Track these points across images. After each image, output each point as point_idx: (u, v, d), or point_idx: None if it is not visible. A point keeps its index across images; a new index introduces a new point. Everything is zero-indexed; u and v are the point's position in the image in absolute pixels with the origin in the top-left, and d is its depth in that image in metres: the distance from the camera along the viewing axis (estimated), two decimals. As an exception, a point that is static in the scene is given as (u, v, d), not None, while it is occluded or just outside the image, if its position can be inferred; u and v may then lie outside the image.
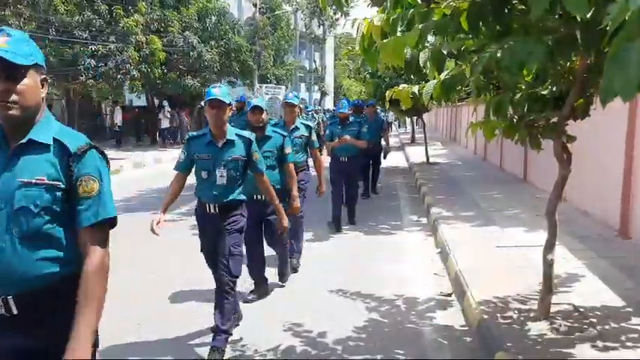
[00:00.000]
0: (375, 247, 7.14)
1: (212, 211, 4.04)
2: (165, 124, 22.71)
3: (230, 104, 3.97)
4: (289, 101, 6.24)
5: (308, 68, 48.29)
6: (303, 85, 48.57)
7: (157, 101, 26.21)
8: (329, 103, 47.20)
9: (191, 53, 20.87)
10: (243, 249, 4.41)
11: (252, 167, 4.15)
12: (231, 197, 4.04)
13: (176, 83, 21.08)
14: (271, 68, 31.85)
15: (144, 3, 19.12)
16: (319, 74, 49.88)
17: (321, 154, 6.71)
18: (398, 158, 18.86)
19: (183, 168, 4.15)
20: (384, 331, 4.46)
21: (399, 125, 40.75)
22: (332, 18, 44.73)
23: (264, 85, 31.66)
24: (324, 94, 48.79)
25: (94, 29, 17.91)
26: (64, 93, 20.13)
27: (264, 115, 5.18)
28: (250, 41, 26.86)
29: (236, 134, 4.09)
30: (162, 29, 20.37)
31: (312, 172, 6.67)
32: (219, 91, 3.93)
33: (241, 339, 4.30)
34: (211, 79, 23.28)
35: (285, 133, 5.36)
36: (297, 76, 43.75)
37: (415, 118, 21.85)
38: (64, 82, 18.47)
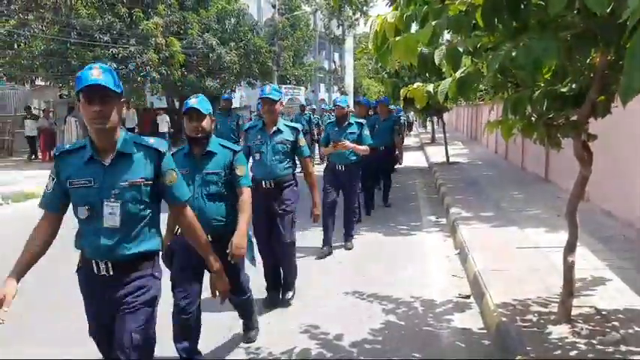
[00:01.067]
0: (393, 248, 7.06)
1: (103, 271, 2.55)
2: (163, 128, 21.69)
3: (121, 94, 2.51)
4: (267, 97, 4.82)
5: (327, 68, 48.27)
6: (322, 85, 48.56)
7: (177, 103, 26.39)
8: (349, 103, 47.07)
9: (210, 55, 20.97)
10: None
11: (165, 195, 2.66)
12: (133, 249, 2.56)
13: (196, 85, 21.20)
14: (291, 69, 31.91)
15: (163, 6, 19.26)
16: (339, 74, 49.82)
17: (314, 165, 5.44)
18: (417, 158, 18.74)
19: (52, 205, 2.61)
20: (400, 333, 4.40)
21: (421, 124, 40.38)
22: (351, 18, 44.64)
23: (284, 85, 31.70)
24: (343, 94, 48.72)
25: (114, 32, 18.11)
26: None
27: (205, 123, 3.63)
28: (269, 42, 26.92)
29: (135, 142, 2.58)
30: (181, 31, 20.50)
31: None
32: (101, 74, 2.42)
33: (256, 341, 4.27)
34: (230, 81, 23.40)
35: (238, 148, 3.85)
36: (316, 77, 43.76)
37: (436, 118, 21.67)
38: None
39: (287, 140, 4.93)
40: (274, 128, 4.90)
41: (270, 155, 4.89)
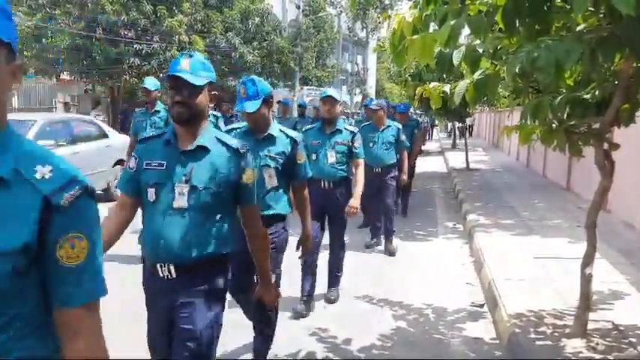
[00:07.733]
0: (409, 254, 6.95)
1: None
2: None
3: None
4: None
5: (350, 71, 48.15)
6: (344, 87, 48.46)
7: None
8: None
9: (233, 54, 21.04)
10: None
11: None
12: None
13: (217, 84, 21.28)
14: (313, 70, 31.89)
15: (188, 4, 19.38)
16: (361, 77, 49.67)
17: None
18: (437, 163, 18.57)
19: None
20: (410, 340, 4.30)
21: (443, 130, 39.94)
22: (375, 21, 44.44)
23: (306, 87, 31.71)
24: (365, 96, 48.52)
25: (138, 29, 18.26)
26: (109, 91, 20.58)
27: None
28: (292, 43, 26.93)
29: None
30: (205, 30, 20.61)
31: None
32: None
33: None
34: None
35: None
36: (339, 79, 43.67)
37: (460, 124, 21.45)
38: (109, 80, 18.90)
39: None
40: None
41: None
